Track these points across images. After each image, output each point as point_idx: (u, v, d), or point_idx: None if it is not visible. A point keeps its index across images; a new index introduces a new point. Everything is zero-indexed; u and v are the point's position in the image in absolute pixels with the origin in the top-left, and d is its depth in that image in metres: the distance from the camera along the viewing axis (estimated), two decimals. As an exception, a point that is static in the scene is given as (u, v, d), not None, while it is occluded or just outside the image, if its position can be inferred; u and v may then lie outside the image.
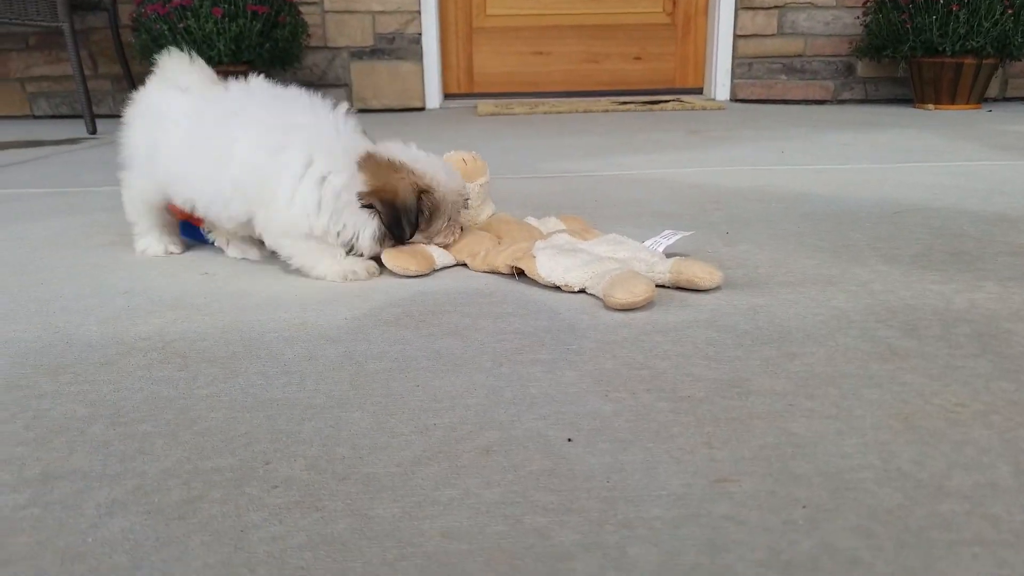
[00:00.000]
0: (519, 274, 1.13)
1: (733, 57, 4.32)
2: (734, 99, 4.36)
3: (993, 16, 3.50)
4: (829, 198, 1.68)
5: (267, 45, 3.54)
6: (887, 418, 0.71)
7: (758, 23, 4.26)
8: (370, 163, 1.14)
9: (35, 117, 4.09)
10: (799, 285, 1.09)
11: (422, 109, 4.24)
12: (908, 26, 3.68)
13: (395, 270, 1.16)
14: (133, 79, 3.87)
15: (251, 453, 0.66)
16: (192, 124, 1.17)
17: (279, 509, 0.58)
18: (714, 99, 4.33)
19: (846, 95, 4.34)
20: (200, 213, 1.20)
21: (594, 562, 0.52)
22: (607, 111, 3.79)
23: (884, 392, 0.76)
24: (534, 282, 1.10)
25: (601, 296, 1.02)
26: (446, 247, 1.22)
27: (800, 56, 4.30)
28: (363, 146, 1.16)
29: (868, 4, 3.99)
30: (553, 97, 4.38)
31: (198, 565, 0.52)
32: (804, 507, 0.57)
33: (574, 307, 1.02)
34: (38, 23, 3.14)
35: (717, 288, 1.07)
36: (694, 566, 0.51)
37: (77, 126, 3.52)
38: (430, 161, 1.18)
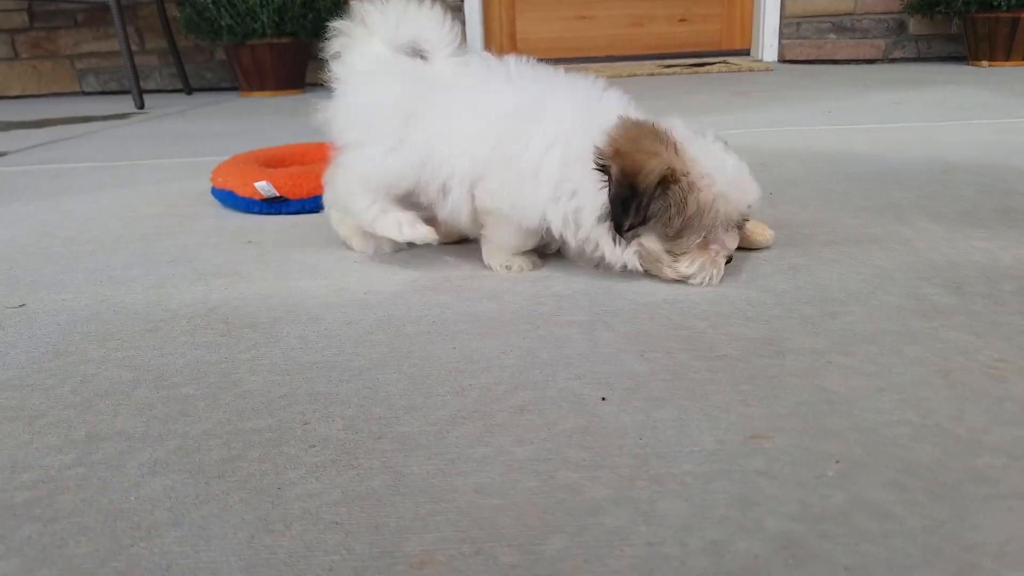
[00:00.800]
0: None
1: (781, 17, 4.20)
2: (782, 60, 4.24)
3: (1055, -35, 3.34)
4: (876, 157, 1.64)
5: (310, 16, 3.56)
6: (927, 374, 0.69)
7: (807, -20, 4.13)
8: (628, 126, 0.92)
9: (84, 93, 4.19)
10: (841, 244, 1.07)
11: (463, 78, 4.23)
12: (964, -21, 3.53)
13: None
14: (179, 53, 3.93)
15: (290, 414, 0.68)
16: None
17: (316, 467, 0.60)
18: (761, 60, 4.23)
19: (898, 53, 4.19)
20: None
21: (624, 516, 0.52)
22: (652, 75, 3.73)
23: (924, 349, 0.75)
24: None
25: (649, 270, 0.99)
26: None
27: (850, 15, 4.16)
28: (623, 117, 0.94)
29: (922, -43, 3.83)
30: (598, 62, 4.33)
31: (236, 521, 0.54)
32: (837, 462, 0.57)
33: (612, 270, 1.02)
34: (85, 0, 3.20)
35: (767, 247, 1.06)
36: (723, 519, 0.52)
37: (126, 102, 3.60)
38: (719, 158, 0.92)
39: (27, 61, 4.17)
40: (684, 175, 0.89)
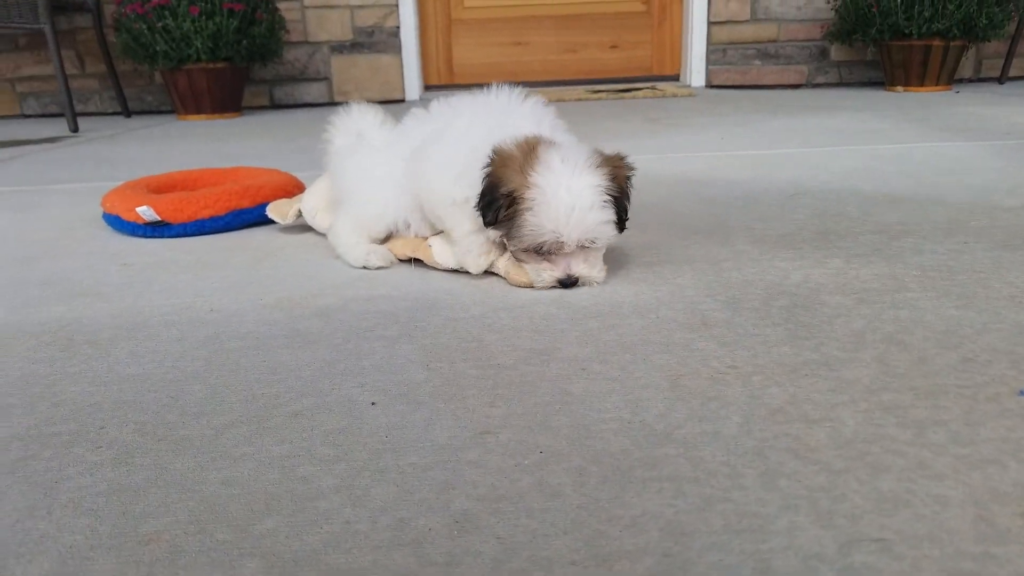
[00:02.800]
0: (416, 262, 1.23)
1: (708, 44, 4.38)
2: (710, 85, 4.41)
3: (956, -2, 3.54)
4: (739, 181, 1.76)
5: (244, 42, 3.64)
6: (658, 379, 0.79)
7: (732, 9, 4.30)
8: (522, 137, 1.08)
9: (25, 116, 4.22)
10: (657, 265, 1.17)
11: (403, 101, 4.33)
12: (875, 9, 3.72)
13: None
14: (118, 77, 3.99)
15: (91, 420, 0.76)
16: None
17: (95, 465, 0.68)
18: (689, 86, 4.39)
19: (820, 79, 4.38)
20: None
21: (338, 500, 0.61)
22: (580, 99, 3.86)
23: (671, 357, 0.85)
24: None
25: (503, 274, 1.12)
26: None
27: (774, 41, 4.34)
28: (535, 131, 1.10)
29: (837, -12, 4.03)
30: (533, 87, 4.44)
31: (8, 508, 0.62)
32: (540, 452, 0.67)
33: (450, 288, 1.11)
34: (21, 25, 3.26)
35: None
36: (421, 501, 0.61)
37: (62, 125, 3.65)
38: (568, 188, 1.01)
39: (-34, 84, 4.20)
40: (526, 186, 1.02)
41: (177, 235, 1.47)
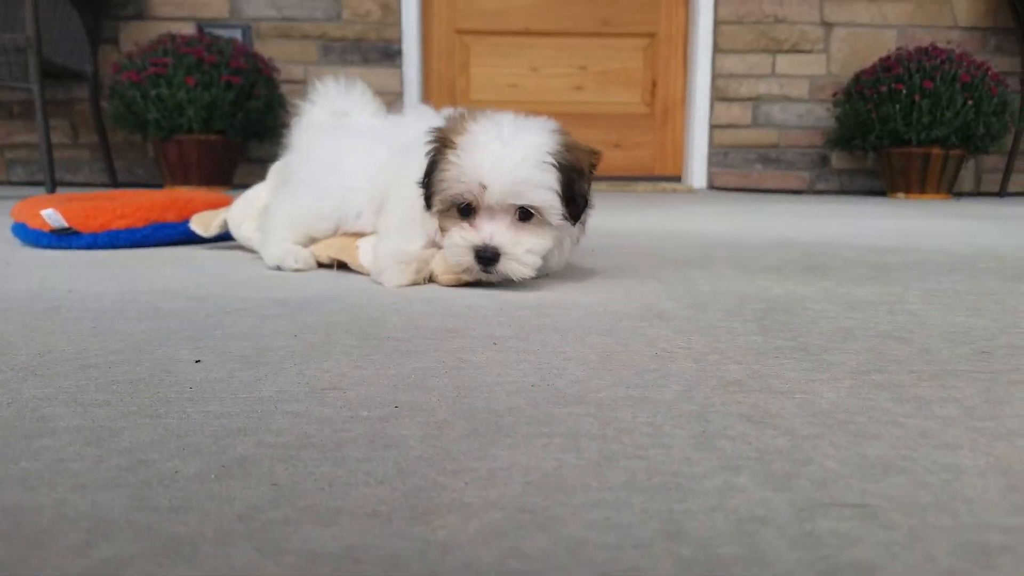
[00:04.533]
0: (340, 266, 1.06)
1: (710, 146, 4.34)
2: (711, 186, 4.34)
3: (954, 107, 3.50)
4: (729, 234, 1.60)
5: (239, 115, 3.61)
6: (588, 354, 0.61)
7: (733, 114, 4.29)
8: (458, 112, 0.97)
9: (11, 183, 4.17)
10: (619, 277, 1.00)
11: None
12: (874, 116, 3.68)
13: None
14: (109, 147, 3.96)
15: None
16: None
17: None
18: (691, 186, 4.32)
19: (822, 186, 4.31)
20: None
21: (68, 438, 0.42)
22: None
23: (611, 338, 0.66)
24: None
25: (434, 277, 0.94)
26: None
27: (775, 147, 4.31)
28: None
29: (837, 96, 4.02)
30: (529, 181, 4.40)
31: None
32: (396, 407, 0.47)
33: (366, 287, 0.93)
34: (9, 85, 3.23)
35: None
36: (188, 444, 0.41)
37: (42, 192, 3.57)
38: (497, 144, 0.88)
39: (-41, 149, 4.18)
40: (455, 143, 0.88)
41: (87, 246, 1.29)
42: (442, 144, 0.89)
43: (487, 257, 0.86)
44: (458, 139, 0.88)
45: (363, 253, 1.02)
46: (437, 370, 0.56)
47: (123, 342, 0.65)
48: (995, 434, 0.43)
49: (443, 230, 0.92)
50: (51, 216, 1.27)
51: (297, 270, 1.05)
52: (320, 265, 1.08)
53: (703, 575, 0.29)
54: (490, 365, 0.57)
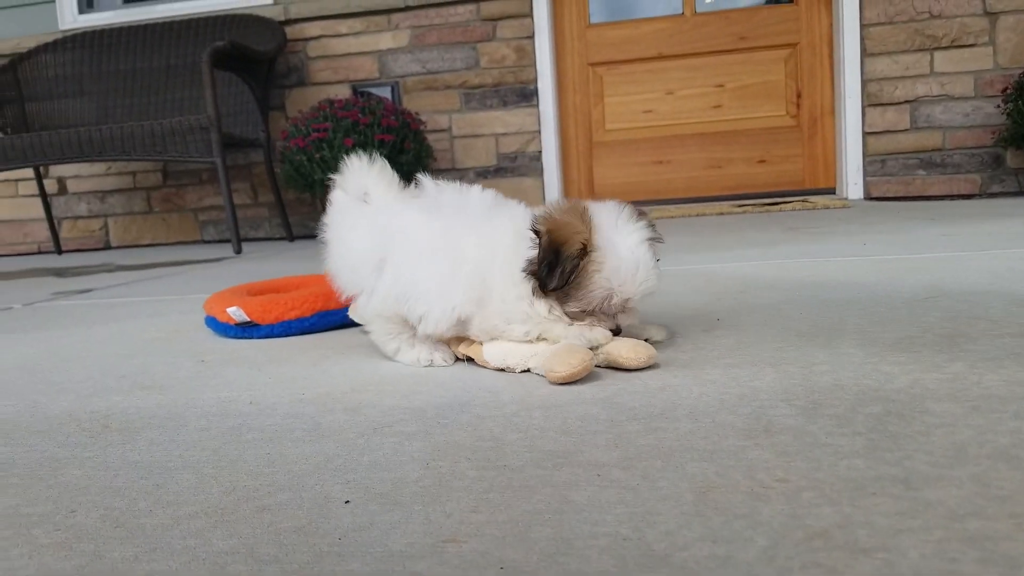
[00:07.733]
0: (469, 360, 1.16)
1: (864, 155, 4.14)
2: (868, 197, 4.14)
3: None
4: (867, 284, 1.56)
5: (393, 170, 3.85)
6: (684, 491, 0.65)
7: (888, 119, 4.08)
8: (563, 204, 1.10)
9: (205, 242, 4.66)
10: (736, 367, 1.02)
11: (544, 222, 4.38)
12: (1052, 109, 3.38)
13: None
14: (284, 205, 4.34)
15: (69, 503, 0.73)
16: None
17: (40, 548, 0.64)
18: (845, 198, 4.14)
19: (996, 188, 3.99)
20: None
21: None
22: (722, 214, 3.74)
23: (711, 465, 0.70)
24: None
25: (543, 372, 1.03)
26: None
27: (939, 150, 4.04)
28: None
29: (1007, 91, 3.72)
30: (675, 204, 4.39)
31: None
32: (501, 568, 0.55)
33: (493, 386, 1.02)
34: (198, 160, 3.64)
35: (648, 367, 1.04)
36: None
37: (230, 248, 3.97)
38: (629, 245, 1.04)
39: (158, 214, 4.73)
40: (593, 258, 1.03)
41: (265, 336, 1.49)
42: (584, 247, 1.02)
43: (618, 333, 1.08)
44: (596, 239, 1.03)
45: (487, 349, 1.11)
46: (541, 515, 0.63)
47: (289, 474, 0.76)
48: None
49: (573, 319, 1.07)
50: (235, 313, 1.46)
51: (443, 365, 1.16)
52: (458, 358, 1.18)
53: None
54: (590, 509, 0.63)
